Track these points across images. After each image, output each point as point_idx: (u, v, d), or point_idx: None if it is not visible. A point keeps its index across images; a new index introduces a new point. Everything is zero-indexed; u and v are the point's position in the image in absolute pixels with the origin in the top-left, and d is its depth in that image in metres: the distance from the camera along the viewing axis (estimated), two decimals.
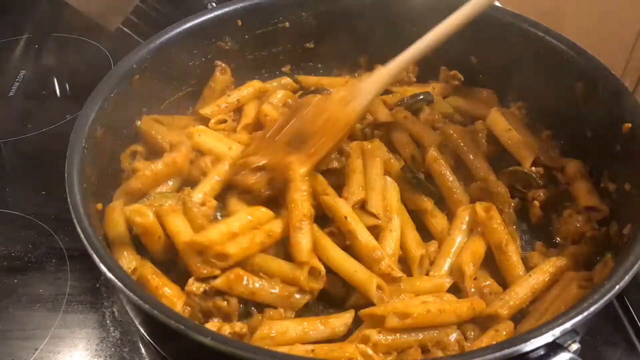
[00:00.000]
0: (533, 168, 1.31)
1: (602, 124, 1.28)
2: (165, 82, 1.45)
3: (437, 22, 1.27)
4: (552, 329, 0.87)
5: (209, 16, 1.48)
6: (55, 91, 1.82)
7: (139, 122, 1.38)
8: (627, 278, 0.94)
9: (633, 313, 1.21)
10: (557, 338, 0.88)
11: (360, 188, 1.24)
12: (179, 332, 0.87)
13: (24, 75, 1.84)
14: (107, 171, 1.28)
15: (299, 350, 1.00)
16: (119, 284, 0.93)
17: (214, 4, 1.58)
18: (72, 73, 1.88)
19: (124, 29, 2.03)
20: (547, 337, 0.86)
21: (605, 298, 0.91)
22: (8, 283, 1.28)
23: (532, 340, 0.86)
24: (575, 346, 0.90)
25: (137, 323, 1.17)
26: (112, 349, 1.17)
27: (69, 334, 1.19)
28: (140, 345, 1.18)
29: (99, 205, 1.22)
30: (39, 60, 1.94)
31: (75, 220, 1.02)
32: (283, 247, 1.19)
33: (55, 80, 1.86)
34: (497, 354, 0.84)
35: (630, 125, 1.18)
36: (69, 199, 1.05)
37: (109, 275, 0.94)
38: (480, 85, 1.55)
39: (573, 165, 1.31)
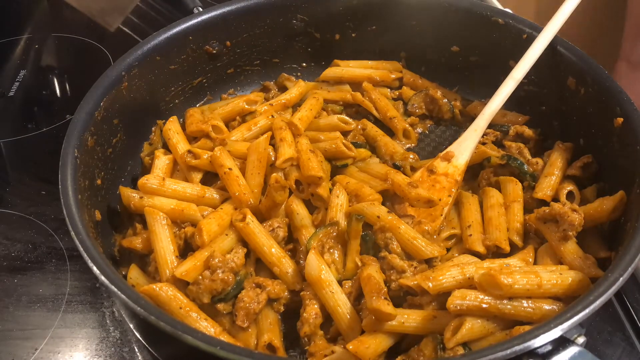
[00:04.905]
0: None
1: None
2: (152, 87, 1.46)
3: None
4: (561, 324, 0.88)
5: (195, 21, 1.49)
6: (55, 91, 1.82)
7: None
8: (630, 270, 0.95)
9: (633, 313, 1.22)
10: (565, 332, 0.89)
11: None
12: (173, 336, 0.88)
13: (24, 75, 1.84)
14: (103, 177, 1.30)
15: None
16: (115, 289, 0.94)
17: (200, 9, 1.58)
18: (72, 73, 1.89)
19: (124, 29, 2.04)
20: (556, 332, 0.88)
21: (610, 290, 0.93)
22: (8, 283, 1.28)
23: (541, 336, 0.87)
24: (581, 339, 0.92)
25: (132, 327, 1.18)
26: (112, 349, 1.17)
27: (69, 334, 1.19)
28: (136, 348, 1.18)
29: (97, 214, 1.23)
30: (39, 60, 1.94)
31: (70, 229, 1.03)
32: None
33: (55, 80, 1.86)
34: (508, 351, 0.85)
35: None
36: (64, 211, 1.06)
37: (103, 279, 0.96)
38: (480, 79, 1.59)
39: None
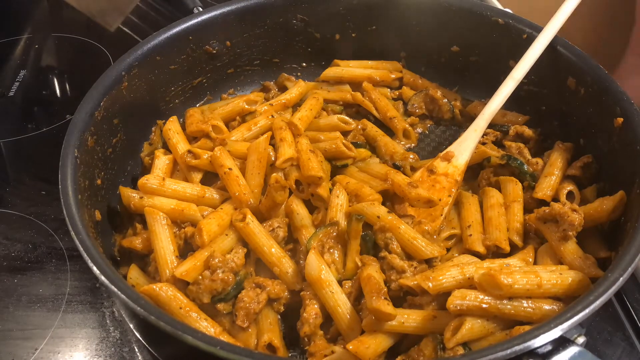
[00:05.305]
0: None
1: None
2: (152, 87, 1.46)
3: None
4: (561, 324, 0.88)
5: (195, 21, 1.49)
6: (55, 91, 1.82)
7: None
8: (630, 270, 0.95)
9: (633, 313, 1.22)
10: (565, 332, 0.89)
11: None
12: (173, 336, 0.88)
13: (24, 75, 1.85)
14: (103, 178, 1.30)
15: None
16: (116, 290, 0.95)
17: (200, 9, 1.59)
18: (72, 73, 1.89)
19: (124, 29, 2.04)
20: (556, 332, 0.88)
21: (610, 290, 0.93)
22: (8, 283, 1.28)
23: (541, 336, 0.87)
24: (581, 339, 0.92)
25: (132, 327, 1.18)
26: (112, 349, 1.17)
27: (69, 334, 1.19)
28: (136, 348, 1.18)
29: (97, 214, 1.23)
30: (39, 60, 1.94)
31: (70, 228, 1.03)
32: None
33: (55, 80, 1.86)
34: (508, 351, 0.86)
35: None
36: (64, 211, 1.06)
37: (103, 279, 0.96)
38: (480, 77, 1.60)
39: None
